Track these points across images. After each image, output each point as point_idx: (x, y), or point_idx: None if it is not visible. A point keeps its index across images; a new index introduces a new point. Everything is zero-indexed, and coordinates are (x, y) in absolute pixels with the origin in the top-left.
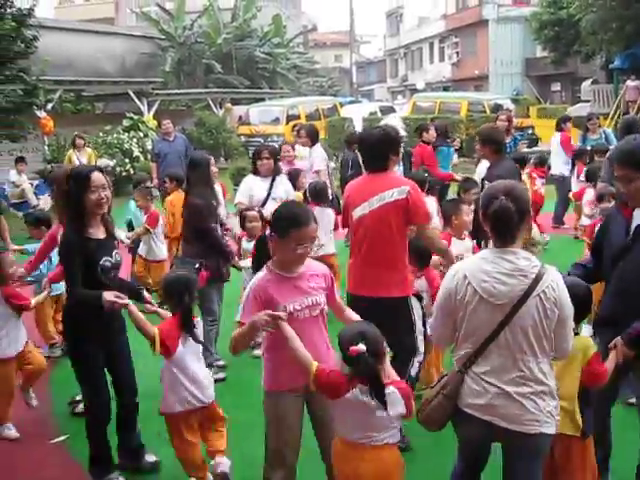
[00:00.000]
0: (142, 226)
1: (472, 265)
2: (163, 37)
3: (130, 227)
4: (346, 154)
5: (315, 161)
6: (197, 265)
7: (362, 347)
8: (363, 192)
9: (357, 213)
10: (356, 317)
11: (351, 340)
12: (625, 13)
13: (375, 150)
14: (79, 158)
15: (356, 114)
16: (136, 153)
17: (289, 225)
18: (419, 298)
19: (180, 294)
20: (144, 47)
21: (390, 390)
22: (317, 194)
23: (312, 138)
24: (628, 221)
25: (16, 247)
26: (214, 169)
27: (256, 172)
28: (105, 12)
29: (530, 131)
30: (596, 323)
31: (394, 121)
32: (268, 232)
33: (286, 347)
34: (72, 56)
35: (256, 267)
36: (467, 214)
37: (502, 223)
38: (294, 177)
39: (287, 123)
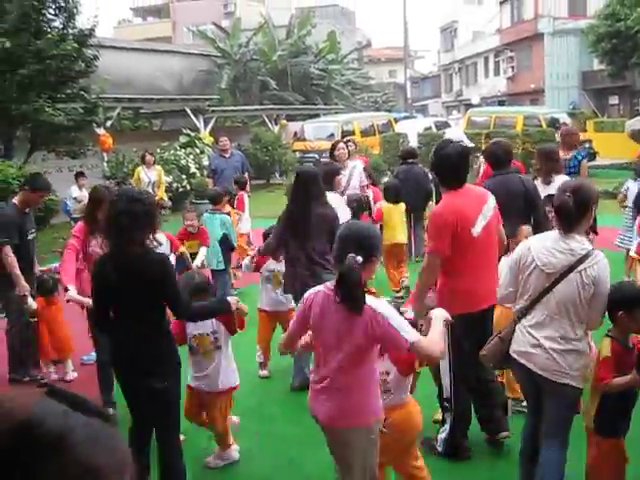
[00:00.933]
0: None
1: (538, 240)
2: (219, 55)
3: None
4: (400, 168)
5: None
6: None
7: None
8: (469, 209)
9: (476, 230)
10: None
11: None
12: None
13: (458, 165)
14: (148, 174)
15: (411, 129)
16: (193, 169)
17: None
18: None
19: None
20: (201, 65)
21: None
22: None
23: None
24: None
25: (42, 268)
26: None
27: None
28: (162, 31)
29: (588, 145)
30: None
31: (458, 133)
32: None
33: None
34: (131, 74)
35: None
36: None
37: (562, 215)
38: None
39: (342, 138)
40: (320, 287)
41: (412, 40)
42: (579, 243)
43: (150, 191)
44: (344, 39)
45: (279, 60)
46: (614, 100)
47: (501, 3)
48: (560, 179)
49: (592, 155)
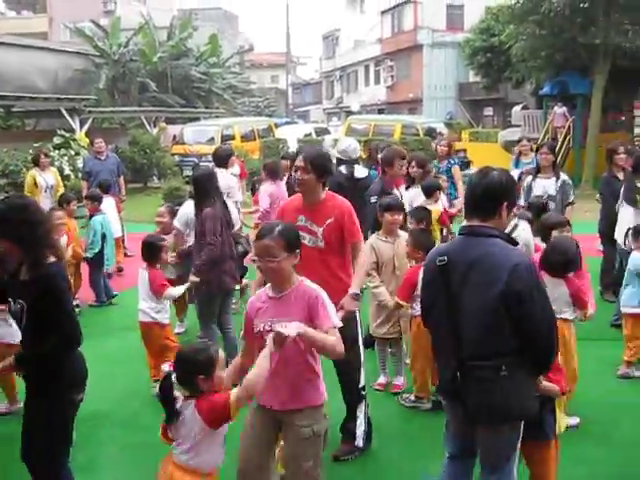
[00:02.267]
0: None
1: None
2: (97, 54)
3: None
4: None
5: None
6: None
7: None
8: None
9: None
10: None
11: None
12: (554, 42)
13: None
14: (45, 178)
15: (291, 135)
16: (67, 171)
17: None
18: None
19: None
20: (78, 63)
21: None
22: None
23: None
24: None
25: None
26: None
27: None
28: (38, 26)
29: (462, 154)
30: None
31: (348, 142)
32: None
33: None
34: (1, 70)
35: None
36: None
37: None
38: None
39: (222, 143)
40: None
41: (294, 46)
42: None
43: (49, 196)
44: (226, 43)
45: (159, 62)
46: (488, 111)
47: (382, 13)
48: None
49: (467, 164)
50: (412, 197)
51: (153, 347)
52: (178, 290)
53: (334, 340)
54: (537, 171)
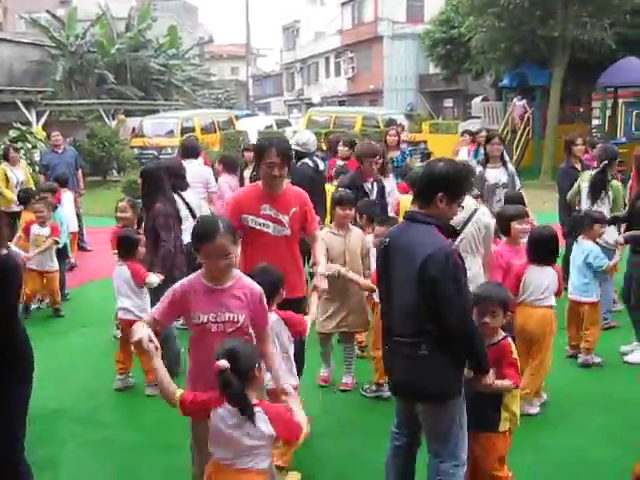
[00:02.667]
0: (50, 239)
1: None
2: (54, 45)
3: None
4: None
5: None
6: None
7: (225, 363)
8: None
9: None
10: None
11: (217, 356)
12: (513, 34)
13: None
14: (15, 173)
15: (251, 127)
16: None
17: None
18: None
19: None
20: (33, 55)
21: (256, 410)
22: None
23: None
24: None
25: None
26: None
27: None
28: None
29: (423, 146)
30: None
31: (308, 135)
32: None
33: (197, 353)
34: None
35: None
36: None
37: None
38: None
39: (182, 135)
40: None
41: (255, 38)
42: (468, 201)
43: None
44: (186, 34)
45: (118, 53)
46: (449, 103)
47: (342, 4)
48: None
49: (427, 155)
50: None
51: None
52: (158, 277)
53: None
54: (486, 161)
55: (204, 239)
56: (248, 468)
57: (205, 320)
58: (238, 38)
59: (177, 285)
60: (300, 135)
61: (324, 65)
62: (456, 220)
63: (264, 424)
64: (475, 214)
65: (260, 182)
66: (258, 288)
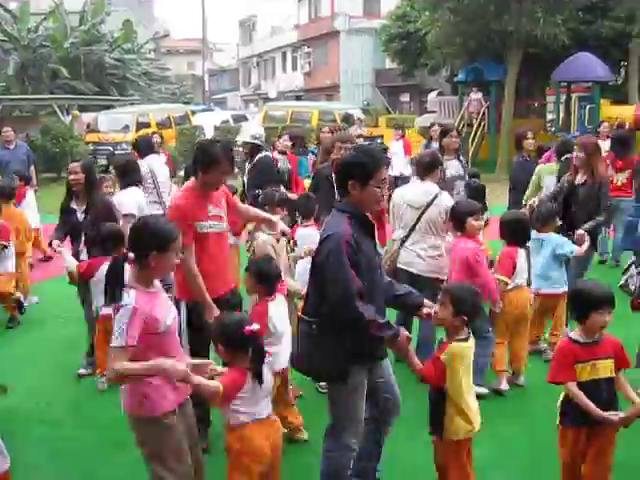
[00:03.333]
0: None
1: (405, 189)
2: (5, 39)
3: None
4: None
5: None
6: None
7: (256, 326)
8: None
9: None
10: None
11: (241, 323)
12: (468, 29)
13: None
14: None
15: (208, 122)
16: None
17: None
18: None
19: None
20: None
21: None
22: None
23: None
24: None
25: None
26: None
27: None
28: None
29: (379, 140)
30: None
31: (257, 127)
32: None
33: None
34: None
35: None
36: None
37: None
38: None
39: (137, 131)
40: None
41: (211, 32)
42: (431, 187)
43: None
44: (141, 28)
45: (71, 48)
46: (405, 97)
47: None
48: None
49: (383, 150)
50: None
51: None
52: None
53: None
54: (441, 154)
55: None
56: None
57: (169, 323)
58: (194, 32)
59: (137, 306)
60: (255, 129)
61: (281, 60)
62: (419, 202)
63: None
64: (437, 197)
65: (193, 183)
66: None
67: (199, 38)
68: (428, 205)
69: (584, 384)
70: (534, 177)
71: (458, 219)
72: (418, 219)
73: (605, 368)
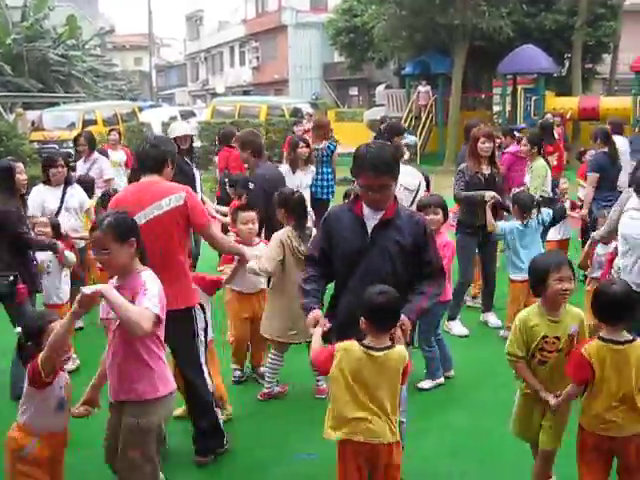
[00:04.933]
0: None
1: None
2: None
3: None
4: None
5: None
6: (11, 278)
7: None
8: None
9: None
10: None
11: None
12: (414, 22)
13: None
14: None
15: (155, 119)
16: None
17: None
18: (203, 308)
19: None
20: None
21: None
22: None
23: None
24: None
25: None
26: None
27: (47, 181)
28: None
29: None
30: (339, 328)
31: (186, 126)
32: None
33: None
34: None
35: None
36: (244, 222)
37: None
38: (89, 185)
39: (83, 128)
40: None
41: (158, 27)
42: (414, 170)
43: None
44: (86, 24)
45: (14, 44)
46: (354, 91)
47: None
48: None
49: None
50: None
51: None
52: None
53: (138, 310)
54: None
55: (90, 230)
56: None
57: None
58: (141, 28)
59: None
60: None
61: (229, 55)
62: (413, 184)
63: None
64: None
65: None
66: (145, 280)
67: (145, 33)
68: (419, 187)
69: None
70: None
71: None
72: (413, 201)
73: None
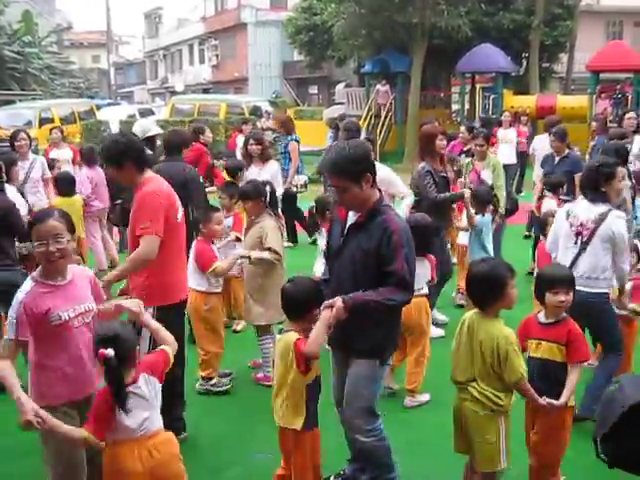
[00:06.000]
0: None
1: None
2: None
3: None
4: None
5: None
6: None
7: (110, 352)
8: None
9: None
10: None
11: (97, 342)
12: (373, 21)
13: None
14: None
15: (114, 117)
16: None
17: (31, 223)
18: None
19: None
20: None
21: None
22: None
23: None
24: (343, 223)
25: None
26: None
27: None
28: None
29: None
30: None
31: (147, 122)
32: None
33: (59, 358)
34: None
35: None
36: (219, 222)
37: None
38: None
39: (40, 127)
40: None
41: (116, 25)
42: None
43: None
44: (42, 20)
45: None
46: (313, 89)
47: None
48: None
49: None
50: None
51: None
52: None
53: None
54: None
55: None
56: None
57: (66, 317)
58: (99, 25)
59: (22, 300)
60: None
61: (188, 53)
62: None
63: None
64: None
65: None
66: (88, 271)
67: (103, 30)
68: None
69: (531, 359)
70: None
71: None
72: None
73: (550, 350)
